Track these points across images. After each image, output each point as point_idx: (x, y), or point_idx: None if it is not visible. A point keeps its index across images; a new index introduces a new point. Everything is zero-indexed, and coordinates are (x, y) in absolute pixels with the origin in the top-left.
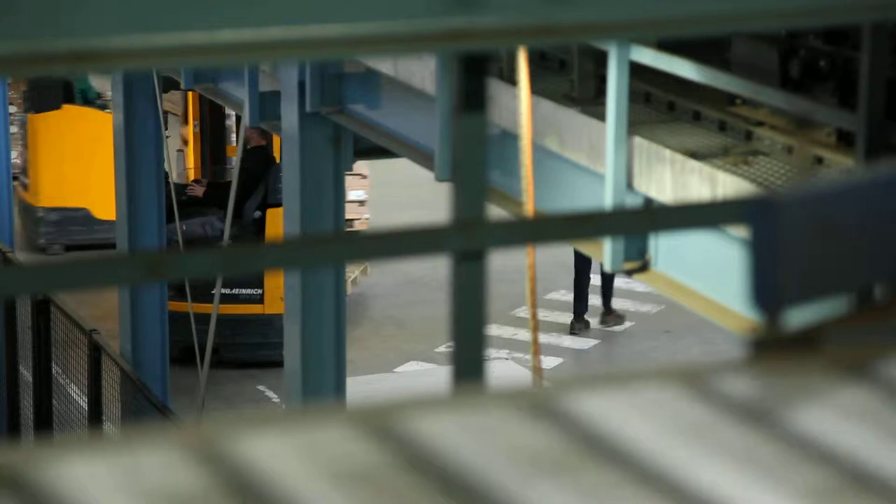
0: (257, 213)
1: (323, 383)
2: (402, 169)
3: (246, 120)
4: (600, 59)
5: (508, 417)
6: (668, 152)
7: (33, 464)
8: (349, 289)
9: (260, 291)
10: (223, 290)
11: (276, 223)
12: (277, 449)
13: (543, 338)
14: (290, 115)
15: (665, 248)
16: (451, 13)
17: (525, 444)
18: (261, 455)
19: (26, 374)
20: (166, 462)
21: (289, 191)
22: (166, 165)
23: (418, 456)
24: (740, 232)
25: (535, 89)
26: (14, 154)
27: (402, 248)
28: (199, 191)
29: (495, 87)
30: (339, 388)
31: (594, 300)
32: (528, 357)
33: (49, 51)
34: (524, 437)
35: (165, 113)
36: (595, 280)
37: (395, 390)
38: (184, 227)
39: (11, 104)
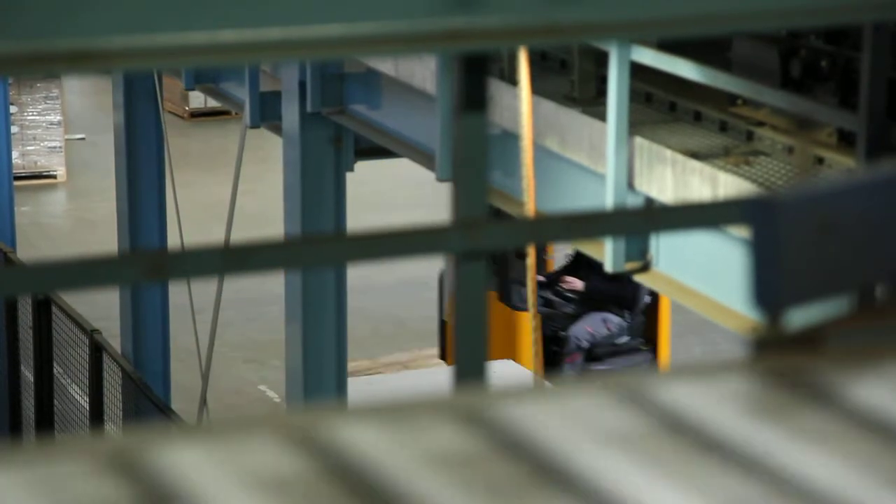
0: (647, 299)
1: (324, 383)
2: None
3: (246, 120)
4: (601, 60)
5: (438, 425)
6: (668, 152)
7: None
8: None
9: None
10: None
11: (665, 308)
12: (198, 460)
13: None
14: (290, 116)
15: (666, 248)
16: (451, 13)
17: (453, 452)
18: (181, 466)
19: (27, 373)
20: (83, 472)
21: (289, 191)
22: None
23: (340, 465)
24: (741, 232)
25: (536, 89)
26: (15, 154)
27: (403, 248)
28: (576, 284)
29: (496, 88)
30: (340, 388)
31: None
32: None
33: (49, 51)
34: (452, 444)
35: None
36: None
37: (395, 390)
38: (590, 329)
39: (12, 104)
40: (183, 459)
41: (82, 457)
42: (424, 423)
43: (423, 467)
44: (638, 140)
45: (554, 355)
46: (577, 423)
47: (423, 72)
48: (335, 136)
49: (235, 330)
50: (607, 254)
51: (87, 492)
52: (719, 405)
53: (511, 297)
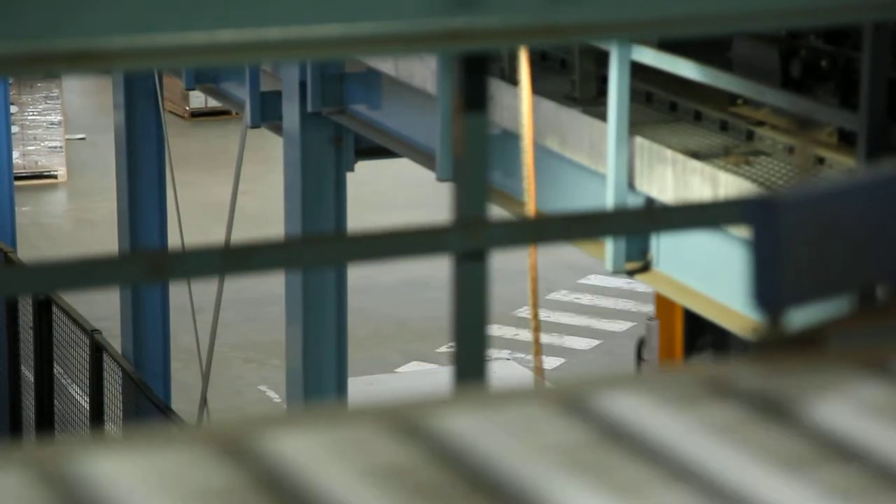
0: None
1: (324, 383)
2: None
3: (247, 120)
4: (601, 60)
5: (370, 435)
6: (669, 152)
7: None
8: None
9: None
10: None
11: None
12: (124, 470)
13: (545, 338)
14: (291, 115)
15: (666, 248)
16: (452, 13)
17: (381, 462)
18: (106, 475)
19: (28, 374)
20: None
21: (289, 191)
22: None
23: (270, 474)
24: (741, 232)
25: (537, 89)
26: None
27: (403, 248)
28: None
29: (496, 88)
30: (341, 388)
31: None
32: (530, 357)
33: (49, 51)
34: (381, 455)
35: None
36: None
37: (396, 390)
38: None
39: (12, 104)
40: (109, 468)
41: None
42: (361, 434)
43: (356, 478)
44: (638, 140)
45: None
46: (515, 434)
47: (423, 72)
48: (335, 136)
49: (235, 330)
50: (607, 254)
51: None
52: (662, 414)
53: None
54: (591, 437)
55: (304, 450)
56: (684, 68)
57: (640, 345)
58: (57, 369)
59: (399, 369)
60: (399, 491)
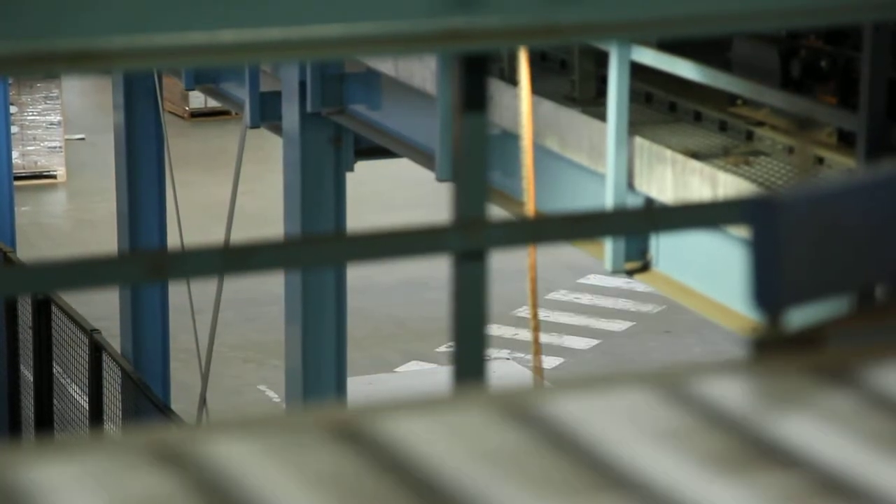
0: None
1: (324, 383)
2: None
3: (246, 120)
4: (601, 60)
5: (308, 441)
6: (668, 152)
7: None
8: None
9: None
10: None
11: None
12: (65, 479)
13: (544, 338)
14: (290, 116)
15: (666, 248)
16: (451, 13)
17: (327, 472)
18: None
19: (27, 373)
20: None
21: (289, 191)
22: None
23: (208, 482)
24: (741, 232)
25: (536, 89)
26: (15, 154)
27: (403, 248)
28: None
29: (496, 88)
30: (340, 388)
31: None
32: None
33: (49, 51)
34: (323, 463)
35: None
36: None
37: (395, 390)
38: None
39: (12, 104)
40: (46, 475)
41: None
42: (300, 440)
43: (293, 485)
44: (638, 140)
45: None
46: (459, 439)
47: (423, 72)
48: (335, 137)
49: (235, 330)
50: (607, 254)
51: None
52: (609, 421)
53: None
54: (534, 443)
55: (242, 456)
56: (684, 68)
57: None
58: (56, 369)
59: (398, 369)
60: (338, 498)
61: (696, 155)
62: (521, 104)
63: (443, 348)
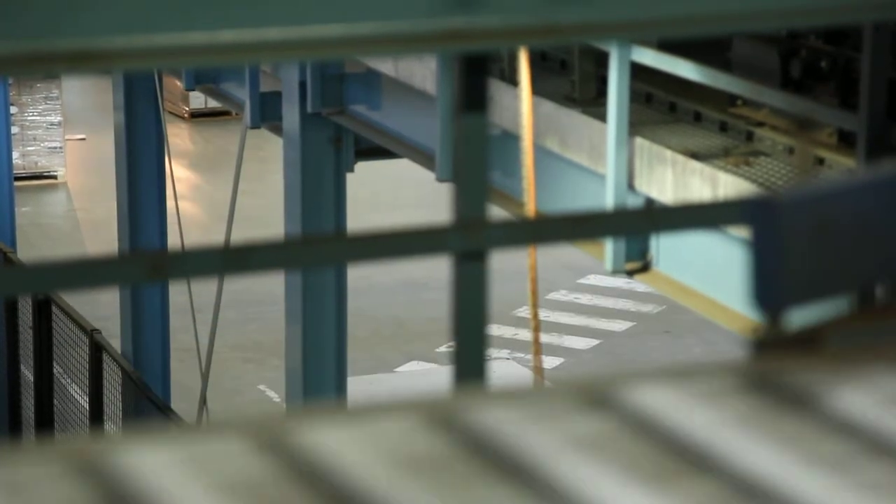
0: None
1: (324, 383)
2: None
3: (247, 120)
4: (601, 60)
5: (232, 450)
6: (669, 153)
7: None
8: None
9: None
10: None
11: None
12: None
13: (544, 338)
14: (291, 116)
15: (666, 248)
16: (451, 13)
17: (244, 479)
18: None
19: (28, 373)
20: None
21: (289, 191)
22: None
23: (119, 491)
24: (741, 232)
25: (536, 90)
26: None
27: (403, 248)
28: None
29: (496, 88)
30: (340, 388)
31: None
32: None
33: (49, 51)
34: (243, 471)
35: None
36: None
37: (396, 390)
38: None
39: (12, 104)
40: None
41: None
42: (217, 448)
43: (211, 494)
44: (638, 140)
45: None
46: (374, 448)
47: (423, 72)
48: (335, 137)
49: (235, 330)
50: (607, 254)
51: None
52: (533, 429)
53: None
54: (455, 449)
55: (157, 466)
56: (684, 69)
57: None
58: (57, 369)
59: (399, 369)
60: None
61: (696, 155)
62: (521, 104)
63: (443, 348)
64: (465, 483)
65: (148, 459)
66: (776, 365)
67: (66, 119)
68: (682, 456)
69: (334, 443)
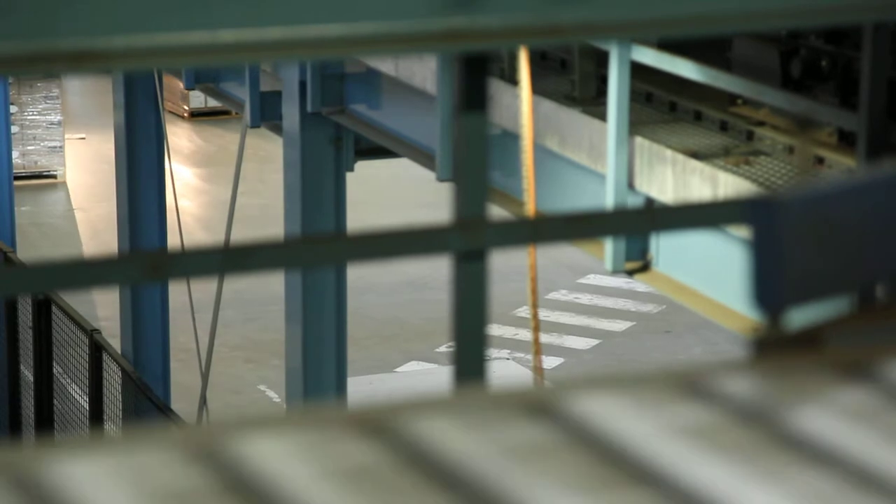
0: None
1: (324, 383)
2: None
3: (247, 119)
4: (601, 60)
5: (166, 459)
6: (669, 152)
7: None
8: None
9: None
10: None
11: None
12: None
13: (544, 338)
14: (291, 115)
15: (666, 248)
16: (451, 13)
17: (173, 489)
18: None
19: (27, 373)
20: None
21: (289, 191)
22: None
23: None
24: (741, 232)
25: (536, 89)
26: (15, 154)
27: (403, 248)
28: None
29: (496, 87)
30: (340, 387)
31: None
32: (529, 357)
33: (49, 51)
34: (172, 482)
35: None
36: None
37: (396, 390)
38: None
39: (12, 104)
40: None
41: None
42: (146, 459)
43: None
44: (638, 140)
45: None
46: (305, 458)
47: (423, 72)
48: (335, 136)
49: (235, 330)
50: (607, 253)
51: None
52: (470, 438)
53: None
54: (395, 460)
55: (86, 477)
56: (684, 68)
57: None
58: (57, 369)
59: (399, 369)
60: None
61: (696, 155)
62: (521, 104)
63: (443, 348)
64: (398, 494)
65: (76, 470)
66: (723, 374)
67: (66, 119)
68: (620, 466)
69: (267, 453)
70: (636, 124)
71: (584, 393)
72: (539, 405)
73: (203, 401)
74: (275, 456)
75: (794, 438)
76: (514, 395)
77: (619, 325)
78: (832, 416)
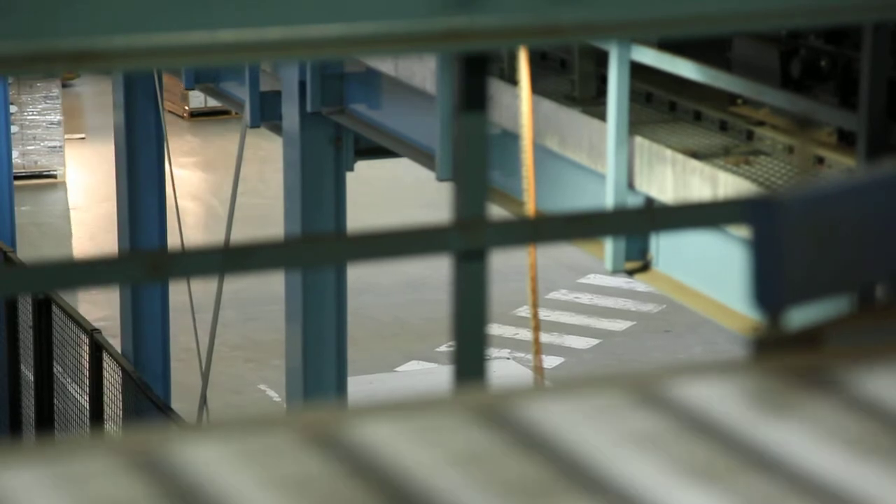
0: None
1: (324, 383)
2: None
3: (247, 119)
4: (601, 59)
5: (105, 467)
6: (669, 152)
7: None
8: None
9: None
10: None
11: None
12: None
13: (544, 337)
14: (290, 115)
15: (666, 248)
16: (451, 13)
17: (120, 497)
18: None
19: (28, 373)
20: None
21: (289, 191)
22: None
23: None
24: (741, 232)
25: (536, 89)
26: (15, 154)
27: (403, 248)
28: None
29: (496, 87)
30: (341, 387)
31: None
32: (530, 356)
33: (49, 51)
34: (118, 491)
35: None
36: None
37: (396, 390)
38: None
39: (12, 104)
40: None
41: None
42: (82, 465)
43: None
44: (638, 140)
45: None
46: (252, 464)
47: (423, 72)
48: (335, 136)
49: (235, 330)
50: (607, 253)
51: None
52: (421, 449)
53: None
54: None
55: (23, 485)
56: (684, 68)
57: None
58: (57, 369)
59: (399, 369)
60: None
61: (696, 154)
62: (521, 104)
63: (443, 348)
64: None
65: (13, 478)
66: (678, 380)
67: (65, 118)
68: (566, 473)
69: (208, 461)
70: (636, 124)
71: (531, 399)
72: (486, 411)
73: (203, 401)
74: (216, 463)
75: (743, 446)
76: (459, 401)
77: (619, 325)
78: (785, 425)
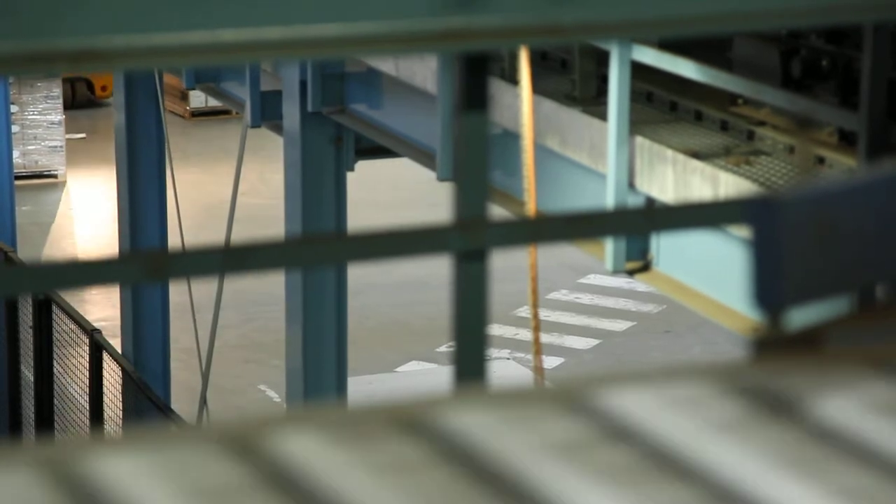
0: None
1: (324, 383)
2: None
3: (247, 119)
4: (602, 59)
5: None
6: (669, 152)
7: None
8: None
9: None
10: None
11: None
12: None
13: (545, 337)
14: (291, 115)
15: (667, 248)
16: (451, 13)
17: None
18: None
19: (28, 373)
20: None
21: (289, 191)
22: None
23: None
24: (741, 232)
25: (537, 89)
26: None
27: (403, 248)
28: None
29: (497, 87)
30: (341, 387)
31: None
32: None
33: (49, 50)
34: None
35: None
36: None
37: (396, 390)
38: None
39: (13, 103)
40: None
41: None
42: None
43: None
44: (639, 139)
45: None
46: (169, 475)
47: (423, 71)
48: (336, 136)
49: (235, 330)
50: (608, 253)
51: None
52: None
53: None
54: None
55: (129, 472)
56: (684, 68)
57: None
58: (57, 369)
59: (399, 369)
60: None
61: (696, 154)
62: (521, 104)
63: (443, 348)
64: None
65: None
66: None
67: (66, 118)
68: (491, 482)
69: (120, 472)
70: (637, 124)
71: (454, 408)
72: (409, 421)
73: (203, 401)
74: (132, 475)
75: (660, 453)
76: (381, 411)
77: (619, 325)
78: (700, 429)
